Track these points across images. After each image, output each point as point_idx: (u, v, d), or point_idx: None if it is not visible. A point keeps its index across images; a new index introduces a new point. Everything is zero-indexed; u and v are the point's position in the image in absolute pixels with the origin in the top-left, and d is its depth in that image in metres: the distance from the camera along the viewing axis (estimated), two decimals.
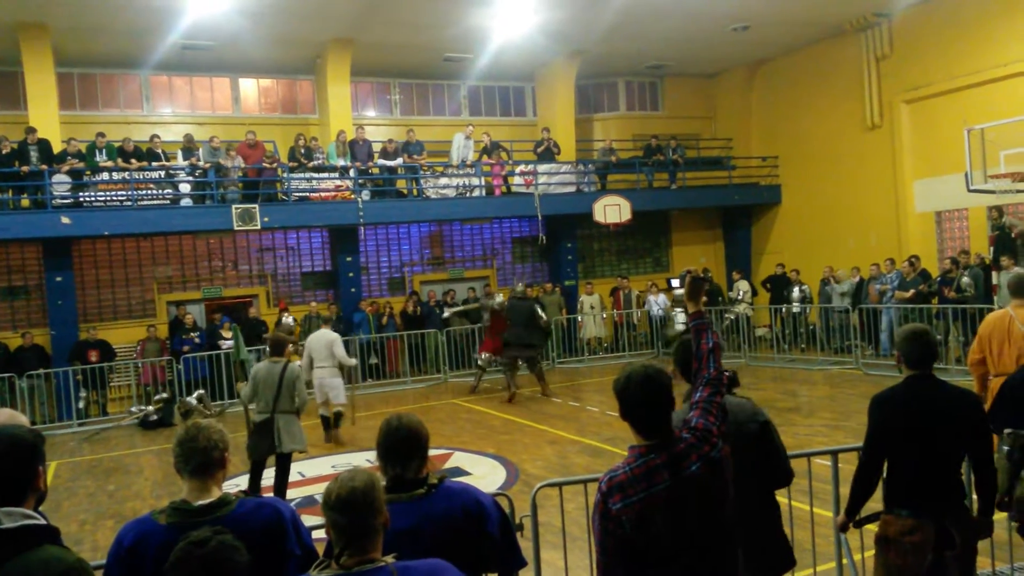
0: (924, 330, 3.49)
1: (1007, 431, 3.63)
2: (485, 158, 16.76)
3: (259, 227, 14.57)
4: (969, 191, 13.14)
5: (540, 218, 16.66)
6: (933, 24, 15.35)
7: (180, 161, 14.67)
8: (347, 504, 2.06)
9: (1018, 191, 12.68)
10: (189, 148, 14.69)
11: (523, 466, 8.65)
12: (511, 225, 18.94)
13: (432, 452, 10.13)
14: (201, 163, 14.57)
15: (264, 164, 15.09)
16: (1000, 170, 12.68)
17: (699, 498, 2.45)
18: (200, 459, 2.48)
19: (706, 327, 2.83)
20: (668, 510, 2.41)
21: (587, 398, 12.77)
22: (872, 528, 3.83)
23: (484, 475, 8.40)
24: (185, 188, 14.56)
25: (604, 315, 17.29)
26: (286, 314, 15.30)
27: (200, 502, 2.44)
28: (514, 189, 17.00)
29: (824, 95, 17.84)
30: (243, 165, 14.86)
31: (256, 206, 14.47)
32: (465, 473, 8.54)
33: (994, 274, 12.54)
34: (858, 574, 4.08)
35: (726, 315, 16.18)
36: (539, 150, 17.36)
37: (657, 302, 16.97)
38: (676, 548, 2.43)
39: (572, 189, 17.49)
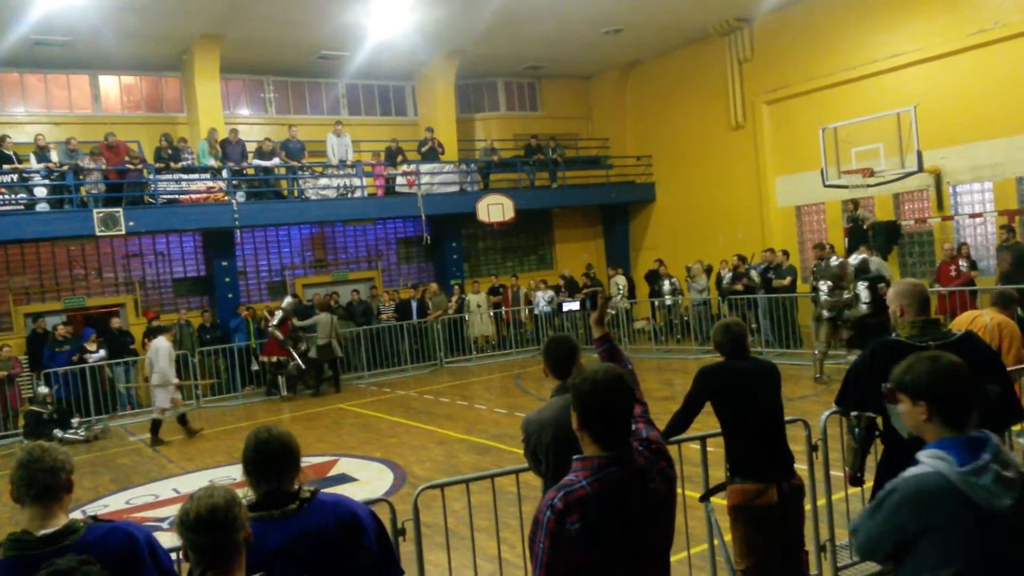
0: (734, 321, 4.24)
1: (853, 413, 3.89)
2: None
3: (124, 232, 13.76)
4: (825, 186, 14.09)
5: (424, 218, 16.58)
6: (790, 30, 16.29)
7: (34, 164, 13.66)
8: (208, 523, 1.97)
9: (868, 186, 13.69)
10: (42, 150, 13.69)
11: (411, 468, 8.58)
12: (395, 225, 18.75)
13: (317, 459, 9.80)
14: (57, 165, 13.63)
15: (128, 165, 14.28)
16: (852, 166, 13.66)
17: (658, 516, 2.31)
18: (45, 481, 2.30)
19: (617, 348, 3.06)
20: (634, 528, 2.23)
21: (475, 396, 12.83)
22: (722, 502, 4.16)
23: (371, 480, 8.28)
24: (41, 192, 13.59)
25: (491, 313, 17.39)
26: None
27: (44, 531, 2.27)
28: (398, 189, 16.84)
29: (692, 96, 18.60)
30: (104, 167, 14.00)
31: (120, 210, 13.65)
32: (352, 479, 8.39)
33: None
34: (729, 554, 4.29)
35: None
36: (423, 149, 17.27)
37: (543, 299, 17.21)
38: (633, 568, 2.26)
39: (455, 189, 17.48)
